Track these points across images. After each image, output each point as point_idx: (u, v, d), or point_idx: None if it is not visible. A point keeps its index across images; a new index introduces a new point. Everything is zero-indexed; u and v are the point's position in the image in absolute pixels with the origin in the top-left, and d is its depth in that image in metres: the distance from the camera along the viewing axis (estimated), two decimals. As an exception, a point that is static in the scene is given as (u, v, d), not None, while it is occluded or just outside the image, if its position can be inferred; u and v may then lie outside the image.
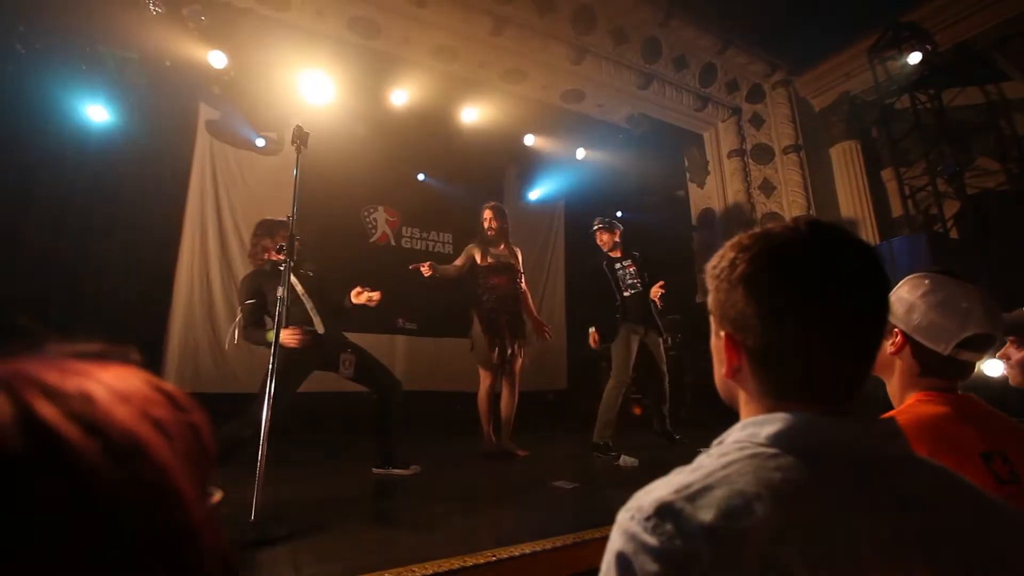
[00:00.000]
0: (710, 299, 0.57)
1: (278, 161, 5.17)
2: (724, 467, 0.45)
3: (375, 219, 5.72)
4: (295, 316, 2.59)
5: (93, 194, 4.34)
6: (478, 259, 3.46)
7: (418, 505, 2.33)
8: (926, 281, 0.95)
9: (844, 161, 5.68)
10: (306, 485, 2.62)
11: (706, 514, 0.41)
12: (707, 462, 0.47)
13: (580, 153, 6.17)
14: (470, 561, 1.52)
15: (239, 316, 2.65)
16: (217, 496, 0.30)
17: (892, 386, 1.01)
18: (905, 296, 0.96)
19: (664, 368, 3.59)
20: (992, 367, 1.55)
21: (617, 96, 5.46)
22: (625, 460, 3.12)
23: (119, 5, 3.91)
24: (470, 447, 3.55)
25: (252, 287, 2.64)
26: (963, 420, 0.88)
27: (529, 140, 5.87)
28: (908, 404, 0.95)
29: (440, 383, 5.20)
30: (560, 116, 5.68)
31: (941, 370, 0.93)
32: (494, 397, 3.40)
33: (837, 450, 0.47)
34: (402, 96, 4.98)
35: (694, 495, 0.43)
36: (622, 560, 0.42)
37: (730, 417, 0.57)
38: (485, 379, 3.37)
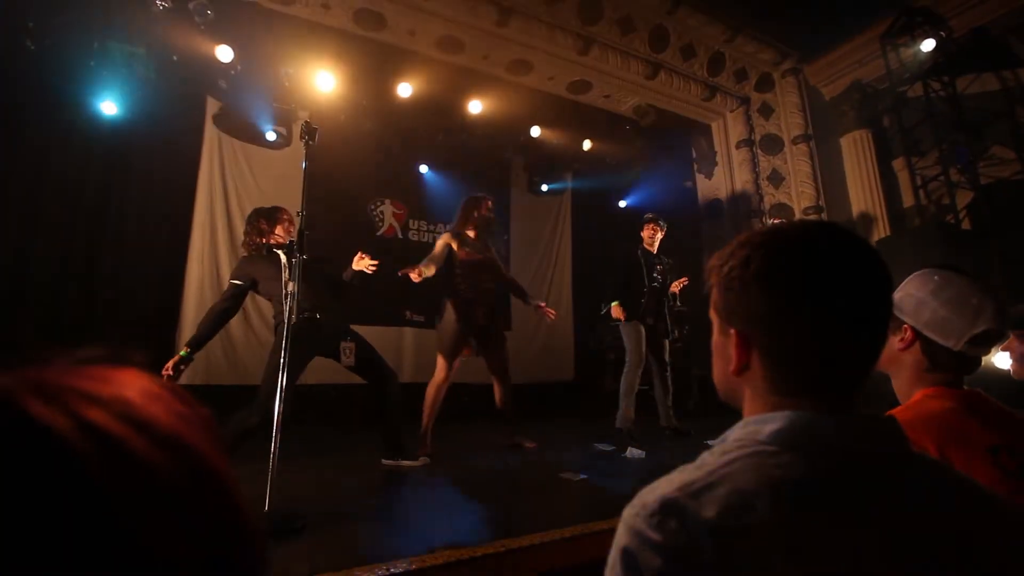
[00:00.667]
0: (716, 298, 0.57)
1: (285, 155, 5.19)
2: (726, 465, 0.46)
3: (382, 212, 5.73)
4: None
5: (103, 189, 4.39)
6: (455, 249, 3.25)
7: (428, 496, 2.36)
8: (934, 277, 0.95)
9: (855, 151, 5.61)
10: (316, 477, 2.66)
11: (709, 510, 0.42)
12: (710, 460, 0.48)
13: (587, 144, 6.14)
14: (479, 551, 1.54)
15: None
16: None
17: (900, 381, 1.01)
18: (914, 292, 0.96)
19: (667, 359, 3.66)
20: (1002, 360, 1.57)
21: (624, 86, 5.41)
22: (632, 452, 3.14)
23: (127, 0, 3.93)
24: (478, 438, 3.58)
25: (246, 272, 2.62)
26: (970, 415, 0.89)
27: (535, 132, 5.84)
28: (916, 399, 0.96)
29: (448, 375, 5.25)
30: (566, 107, 5.64)
31: (949, 365, 0.94)
32: (446, 393, 3.18)
33: (838, 449, 0.48)
34: (408, 89, 4.97)
35: (697, 492, 0.44)
36: (627, 556, 0.43)
37: (734, 410, 0.58)
38: (441, 370, 3.15)
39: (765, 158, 5.83)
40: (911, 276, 0.99)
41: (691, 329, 5.50)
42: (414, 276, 2.89)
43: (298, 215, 2.19)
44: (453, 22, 4.44)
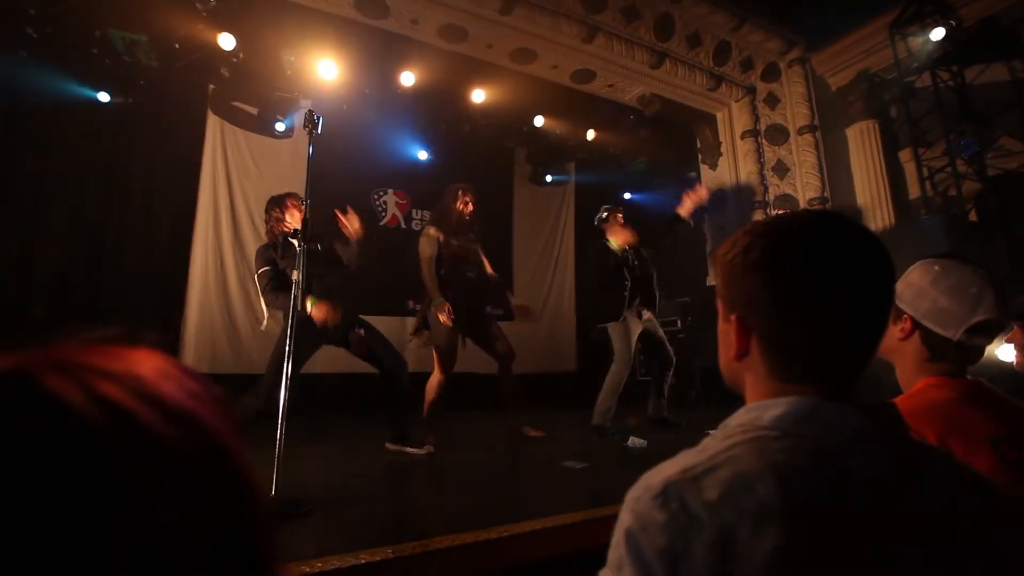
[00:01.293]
0: (720, 285, 0.58)
1: (288, 144, 5.18)
2: (728, 449, 0.47)
3: (385, 202, 5.73)
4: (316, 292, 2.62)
5: (106, 177, 4.40)
6: (442, 241, 3.17)
7: (432, 482, 2.39)
8: (936, 267, 0.95)
9: (861, 141, 5.55)
10: (322, 463, 2.69)
11: (711, 492, 0.43)
12: (712, 444, 0.49)
13: (591, 134, 6.10)
14: (482, 536, 1.56)
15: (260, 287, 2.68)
16: None
17: (902, 370, 1.01)
18: (915, 282, 0.96)
19: (671, 356, 3.53)
20: (1005, 352, 1.56)
21: (628, 75, 5.35)
22: (634, 441, 3.16)
23: (128, -13, 3.90)
24: (482, 427, 3.60)
25: (266, 256, 2.69)
26: (972, 405, 0.89)
27: (539, 121, 5.81)
28: (918, 388, 0.96)
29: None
30: (570, 96, 5.59)
31: (950, 355, 0.94)
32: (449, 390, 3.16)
33: (838, 435, 0.48)
34: (411, 78, 4.94)
35: (700, 475, 0.45)
36: (631, 536, 0.44)
37: (737, 399, 0.59)
38: (439, 369, 3.11)
39: (770, 148, 5.78)
40: (913, 265, 0.98)
41: (693, 319, 5.50)
42: (443, 318, 2.96)
43: (302, 202, 2.20)
44: (456, 10, 4.39)
